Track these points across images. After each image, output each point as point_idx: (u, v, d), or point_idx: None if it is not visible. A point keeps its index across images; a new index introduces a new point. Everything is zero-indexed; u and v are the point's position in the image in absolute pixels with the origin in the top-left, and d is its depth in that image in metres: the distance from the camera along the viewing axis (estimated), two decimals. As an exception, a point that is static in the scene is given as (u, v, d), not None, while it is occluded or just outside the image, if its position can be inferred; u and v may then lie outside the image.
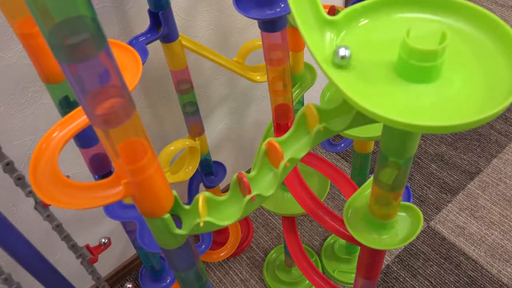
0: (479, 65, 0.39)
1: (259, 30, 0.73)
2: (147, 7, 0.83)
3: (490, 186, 1.49)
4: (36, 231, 1.02)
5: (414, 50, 0.37)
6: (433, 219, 1.43)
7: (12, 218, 0.97)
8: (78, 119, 0.45)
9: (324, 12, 0.42)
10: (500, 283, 1.28)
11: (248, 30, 1.16)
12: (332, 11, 0.83)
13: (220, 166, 1.23)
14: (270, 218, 1.48)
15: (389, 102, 0.37)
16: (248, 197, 0.46)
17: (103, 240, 0.83)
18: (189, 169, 1.05)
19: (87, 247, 0.81)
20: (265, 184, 0.48)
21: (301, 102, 1.10)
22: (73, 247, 0.77)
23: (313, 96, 1.51)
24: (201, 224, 0.46)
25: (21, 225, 0.73)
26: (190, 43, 0.92)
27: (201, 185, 1.23)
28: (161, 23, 0.83)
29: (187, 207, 0.48)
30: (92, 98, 0.33)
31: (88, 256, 0.80)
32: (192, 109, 1.02)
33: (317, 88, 1.10)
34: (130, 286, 0.97)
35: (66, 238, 0.76)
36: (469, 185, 1.50)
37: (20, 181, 0.66)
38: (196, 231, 0.47)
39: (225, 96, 1.25)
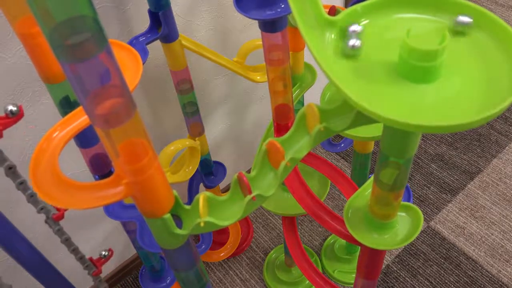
0: (479, 65, 0.39)
1: (259, 30, 0.73)
2: (147, 7, 0.83)
3: (490, 186, 1.49)
4: (36, 231, 1.02)
5: (414, 50, 0.37)
6: (433, 219, 1.43)
7: (12, 218, 0.97)
8: (79, 119, 0.45)
9: (324, 12, 0.42)
10: (500, 283, 1.28)
11: (248, 30, 1.16)
12: (333, 11, 0.83)
13: (220, 166, 1.23)
14: (270, 218, 1.48)
15: (390, 102, 0.37)
16: (248, 197, 0.46)
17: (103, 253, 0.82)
18: (189, 169, 1.05)
19: (91, 259, 0.82)
20: (265, 184, 0.48)
21: (301, 102, 1.10)
22: (81, 258, 0.77)
23: (313, 96, 1.51)
24: (202, 224, 0.46)
25: (21, 225, 0.73)
26: (190, 43, 0.92)
27: (201, 185, 1.23)
28: (161, 23, 0.83)
29: (187, 207, 0.48)
30: (93, 98, 0.33)
31: (92, 267, 0.80)
32: (192, 109, 1.02)
33: (317, 88, 1.10)
34: (106, 253, 0.93)
35: (68, 241, 0.76)
36: (469, 185, 1.50)
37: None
38: (197, 231, 0.47)
39: (225, 96, 1.25)
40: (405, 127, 0.35)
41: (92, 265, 0.80)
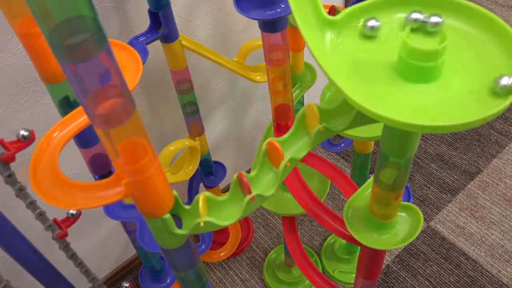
0: (479, 65, 0.39)
1: (259, 30, 0.73)
2: (147, 7, 0.83)
3: (490, 186, 1.49)
4: (36, 230, 1.02)
5: (414, 50, 0.37)
6: (433, 219, 1.43)
7: (12, 218, 0.97)
8: (79, 119, 0.45)
9: (324, 12, 0.42)
10: (500, 283, 1.28)
11: (248, 30, 1.16)
12: (332, 11, 0.83)
13: (220, 166, 1.23)
14: (270, 218, 1.48)
15: (389, 102, 0.37)
16: (248, 197, 0.46)
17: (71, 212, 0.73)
18: (189, 169, 1.06)
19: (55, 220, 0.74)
20: (265, 184, 0.48)
21: (301, 102, 1.10)
22: (41, 216, 0.71)
23: (313, 96, 1.51)
24: (201, 224, 0.46)
25: (21, 224, 0.73)
26: (190, 43, 0.92)
27: (201, 185, 1.23)
28: (161, 23, 0.83)
29: (187, 207, 0.48)
30: (93, 98, 0.33)
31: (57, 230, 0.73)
32: (192, 109, 1.02)
33: (317, 88, 1.10)
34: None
35: (32, 205, 0.69)
36: (469, 185, 1.50)
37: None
38: (196, 231, 0.47)
39: (225, 96, 1.25)
40: (405, 127, 0.35)
41: (56, 226, 0.73)
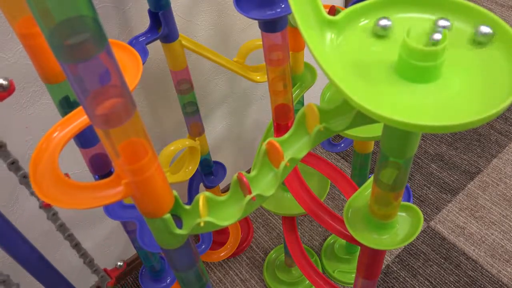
0: (479, 65, 0.39)
1: (259, 30, 0.73)
2: (147, 7, 0.83)
3: (490, 186, 1.49)
4: (36, 230, 1.02)
5: (414, 50, 0.37)
6: (433, 219, 1.43)
7: (12, 217, 0.97)
8: (79, 119, 0.45)
9: (324, 12, 0.42)
10: (500, 283, 1.28)
11: (248, 30, 1.16)
12: (332, 11, 0.83)
13: (220, 166, 1.23)
14: (270, 218, 1.48)
15: (389, 102, 0.37)
16: (248, 197, 0.46)
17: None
18: (189, 169, 1.06)
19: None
20: (265, 184, 0.48)
21: (301, 102, 1.10)
22: (24, 178, 0.66)
23: (313, 96, 1.51)
24: (202, 224, 0.46)
25: (21, 224, 0.73)
26: (190, 43, 0.92)
27: (201, 185, 1.23)
28: (161, 23, 0.83)
29: (187, 207, 0.48)
30: (93, 98, 0.33)
31: None
32: (192, 109, 1.02)
33: (317, 88, 1.10)
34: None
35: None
36: (469, 185, 1.50)
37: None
38: (197, 231, 0.47)
39: (225, 96, 1.25)
40: (405, 127, 0.35)
41: None
